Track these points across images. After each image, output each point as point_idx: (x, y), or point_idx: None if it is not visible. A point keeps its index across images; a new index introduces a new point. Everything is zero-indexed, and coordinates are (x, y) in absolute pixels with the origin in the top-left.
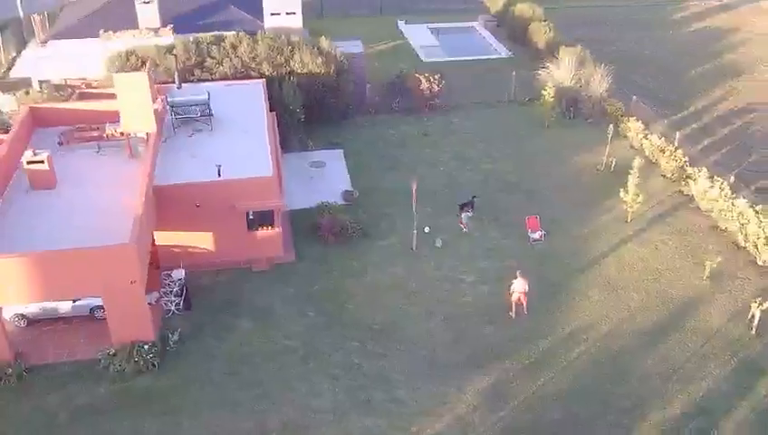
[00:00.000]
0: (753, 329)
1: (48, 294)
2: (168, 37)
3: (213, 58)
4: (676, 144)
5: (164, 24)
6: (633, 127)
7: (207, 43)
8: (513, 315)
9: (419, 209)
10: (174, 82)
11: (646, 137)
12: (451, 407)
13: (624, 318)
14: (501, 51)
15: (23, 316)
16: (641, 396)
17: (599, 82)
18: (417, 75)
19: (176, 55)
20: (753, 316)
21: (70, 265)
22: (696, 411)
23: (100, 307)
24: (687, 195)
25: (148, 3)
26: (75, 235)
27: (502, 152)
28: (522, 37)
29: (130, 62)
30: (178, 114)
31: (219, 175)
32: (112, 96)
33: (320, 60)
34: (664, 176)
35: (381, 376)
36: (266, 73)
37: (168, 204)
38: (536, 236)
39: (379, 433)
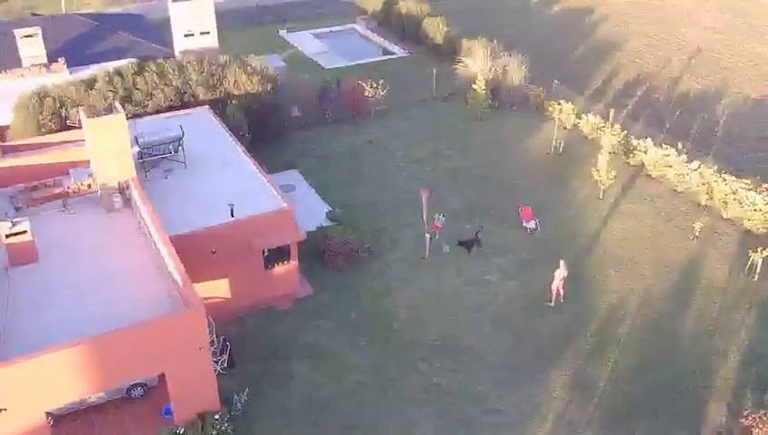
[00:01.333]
0: (756, 275)
1: (105, 383)
2: (62, 74)
3: (139, 89)
4: (611, 120)
5: (49, 60)
6: (565, 109)
7: (132, 74)
8: (552, 304)
9: (409, 218)
10: None
11: (579, 117)
12: (547, 406)
13: (646, 287)
14: (396, 50)
15: (47, 414)
16: (699, 355)
17: (516, 71)
18: (360, 82)
19: (113, 92)
20: (754, 264)
21: (129, 345)
22: (751, 358)
23: (139, 385)
24: (635, 165)
25: (31, 36)
26: (100, 311)
27: (453, 149)
28: (414, 35)
29: (46, 104)
30: (149, 154)
31: (232, 215)
32: (47, 145)
33: (255, 78)
34: (603, 150)
35: (465, 391)
36: (202, 98)
37: (181, 256)
38: (531, 225)
39: None
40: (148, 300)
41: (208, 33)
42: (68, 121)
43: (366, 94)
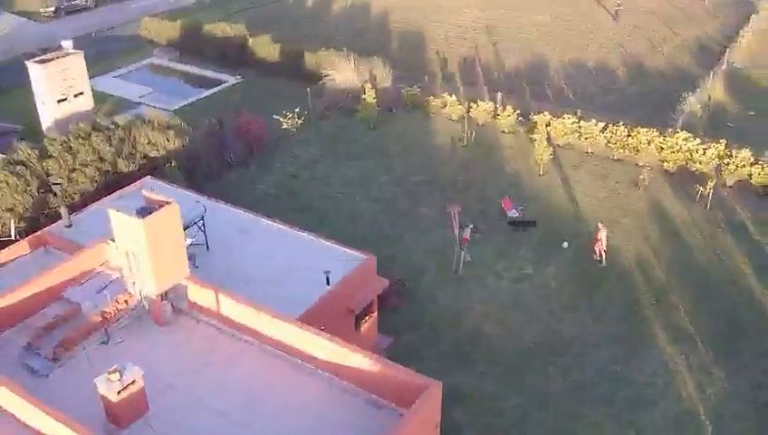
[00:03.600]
0: (708, 205)
1: None
2: None
3: (51, 175)
4: (500, 103)
5: None
6: (450, 102)
7: (37, 160)
8: (604, 263)
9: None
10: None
11: (470, 106)
12: (673, 362)
13: (654, 243)
14: (226, 78)
15: None
16: (752, 287)
17: (384, 75)
18: (256, 119)
19: (60, 185)
20: (704, 195)
21: None
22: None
23: None
24: (534, 139)
25: None
26: None
27: (377, 163)
28: (237, 58)
29: None
30: None
31: (328, 283)
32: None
33: (171, 133)
34: (503, 132)
35: (621, 376)
36: (124, 170)
37: None
38: (515, 214)
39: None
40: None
41: (82, 93)
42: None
43: (283, 127)
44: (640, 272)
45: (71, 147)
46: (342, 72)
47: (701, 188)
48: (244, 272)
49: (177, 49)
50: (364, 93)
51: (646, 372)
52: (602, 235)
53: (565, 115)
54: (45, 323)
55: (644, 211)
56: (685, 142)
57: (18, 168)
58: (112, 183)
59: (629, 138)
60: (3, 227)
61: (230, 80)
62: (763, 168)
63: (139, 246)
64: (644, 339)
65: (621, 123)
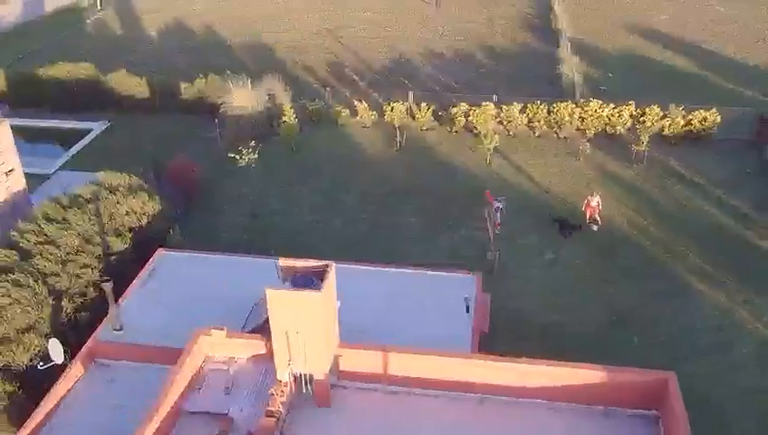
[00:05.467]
0: (644, 161)
1: None
2: None
3: (49, 276)
4: (412, 102)
5: None
6: (361, 108)
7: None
8: (598, 225)
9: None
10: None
11: (384, 109)
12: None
13: (628, 204)
14: (92, 126)
15: None
16: (724, 222)
17: (283, 92)
18: (189, 164)
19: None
20: (640, 152)
21: None
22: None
23: None
24: (456, 131)
25: None
26: None
27: (328, 183)
28: (92, 101)
29: None
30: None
31: (468, 310)
32: None
33: (144, 194)
34: (423, 129)
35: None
36: (119, 249)
37: None
38: (499, 206)
39: None
40: None
41: (13, 170)
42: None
43: (240, 165)
44: (634, 233)
45: (46, 235)
46: (239, 96)
47: (636, 148)
48: (361, 323)
49: (6, 103)
50: (283, 115)
51: (709, 317)
52: (596, 201)
53: (483, 103)
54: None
55: (596, 177)
56: (601, 109)
57: (10, 276)
58: (112, 267)
59: (550, 114)
60: (36, 353)
61: (95, 127)
62: (673, 120)
63: (310, 322)
64: (686, 290)
65: (538, 101)
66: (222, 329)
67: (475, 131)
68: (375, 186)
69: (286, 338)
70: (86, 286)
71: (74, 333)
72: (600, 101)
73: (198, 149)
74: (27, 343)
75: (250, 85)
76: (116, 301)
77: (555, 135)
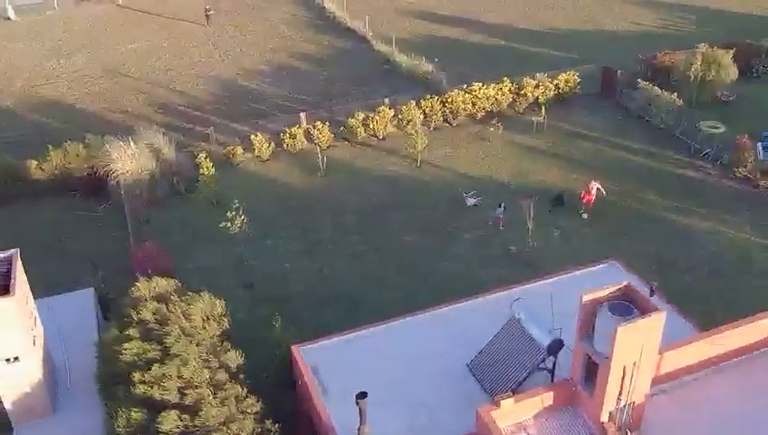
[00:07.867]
0: (544, 129)
1: None
2: None
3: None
4: (304, 124)
5: None
6: (257, 141)
7: None
8: (586, 215)
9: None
10: None
11: (276, 139)
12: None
13: (568, 174)
14: None
15: None
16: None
17: (168, 146)
18: (160, 252)
19: None
20: (540, 123)
21: None
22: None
23: None
24: (355, 142)
25: None
26: None
27: (283, 229)
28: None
29: None
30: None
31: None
32: None
33: (206, 295)
34: (325, 148)
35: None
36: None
37: None
38: (473, 202)
39: None
40: None
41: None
42: None
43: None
44: (601, 196)
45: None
46: (124, 159)
47: (535, 119)
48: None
49: None
50: (202, 170)
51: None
52: (595, 187)
53: (377, 109)
54: None
55: (517, 154)
56: (482, 92)
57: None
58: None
59: (444, 106)
60: None
61: None
62: (546, 87)
63: (653, 344)
64: (689, 231)
65: (429, 96)
66: (509, 395)
67: (379, 137)
68: (338, 215)
69: (623, 374)
70: None
71: None
72: (480, 84)
73: (101, 235)
74: None
75: (132, 145)
76: None
77: (449, 125)
